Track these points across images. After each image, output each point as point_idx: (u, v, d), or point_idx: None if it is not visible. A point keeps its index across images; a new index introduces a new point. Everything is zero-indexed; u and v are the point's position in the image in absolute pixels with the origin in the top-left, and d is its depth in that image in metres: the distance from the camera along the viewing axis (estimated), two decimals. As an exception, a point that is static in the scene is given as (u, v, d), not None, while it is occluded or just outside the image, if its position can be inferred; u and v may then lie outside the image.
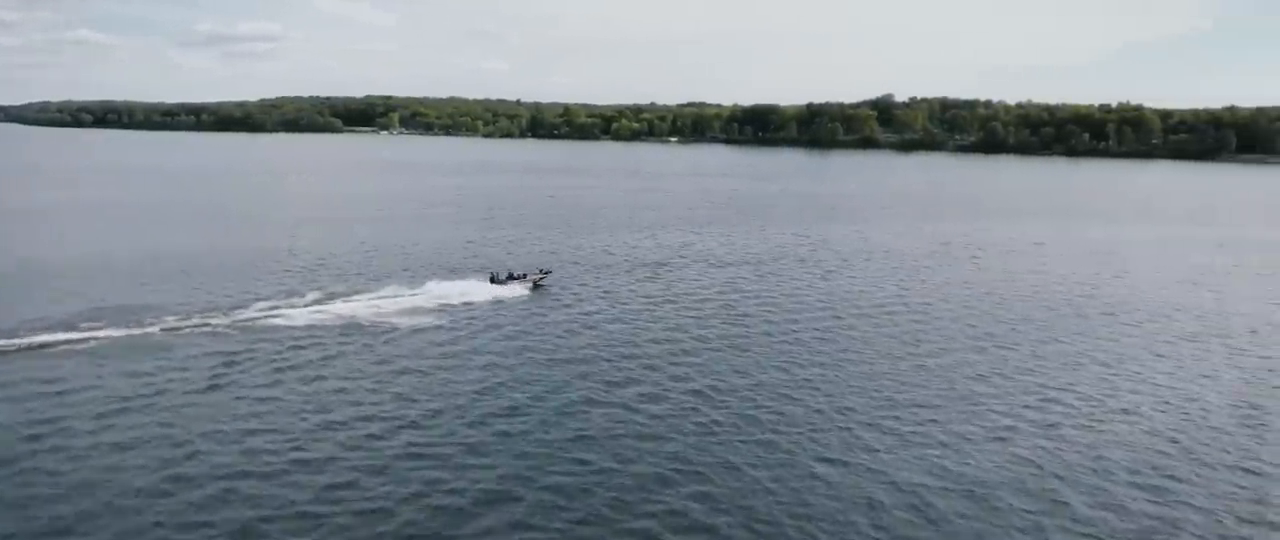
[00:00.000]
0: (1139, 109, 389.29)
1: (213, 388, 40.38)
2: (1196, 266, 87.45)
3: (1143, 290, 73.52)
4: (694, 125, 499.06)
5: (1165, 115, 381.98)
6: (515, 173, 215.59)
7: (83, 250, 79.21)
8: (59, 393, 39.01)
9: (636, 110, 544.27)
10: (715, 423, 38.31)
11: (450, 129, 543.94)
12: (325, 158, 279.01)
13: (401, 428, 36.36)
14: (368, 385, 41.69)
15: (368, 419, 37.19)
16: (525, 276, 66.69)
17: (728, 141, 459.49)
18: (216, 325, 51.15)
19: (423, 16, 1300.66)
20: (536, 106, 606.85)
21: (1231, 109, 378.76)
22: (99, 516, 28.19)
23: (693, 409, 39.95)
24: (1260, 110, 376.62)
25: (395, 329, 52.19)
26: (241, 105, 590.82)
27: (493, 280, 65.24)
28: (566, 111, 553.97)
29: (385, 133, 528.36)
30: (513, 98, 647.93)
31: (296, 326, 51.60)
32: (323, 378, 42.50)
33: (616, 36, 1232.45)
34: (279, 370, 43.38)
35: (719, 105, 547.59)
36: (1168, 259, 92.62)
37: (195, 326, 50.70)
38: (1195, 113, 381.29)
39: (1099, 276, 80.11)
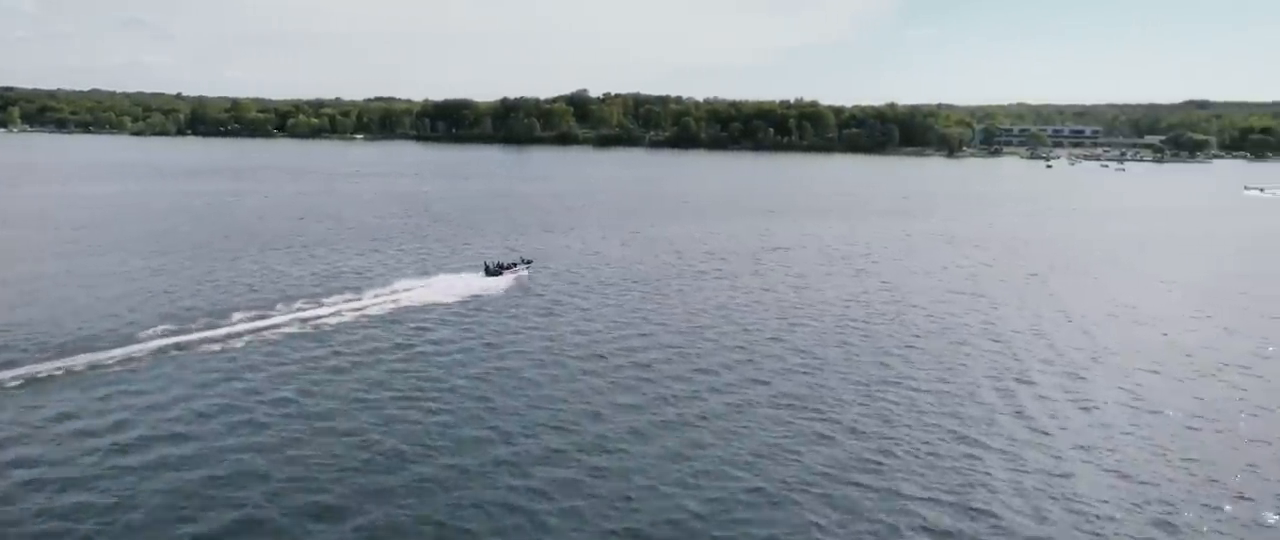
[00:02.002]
0: (815, 105, 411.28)
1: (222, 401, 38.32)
2: (953, 268, 79.31)
3: (917, 303, 62.47)
4: (382, 121, 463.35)
5: (838, 111, 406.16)
6: (154, 177, 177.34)
7: None
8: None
9: (317, 105, 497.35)
10: None
11: (91, 126, 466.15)
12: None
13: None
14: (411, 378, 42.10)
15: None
16: (514, 266, 69.91)
17: (419, 138, 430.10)
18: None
19: (67, 2, 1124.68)
20: (200, 101, 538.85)
21: (892, 105, 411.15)
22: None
23: None
24: (915, 107, 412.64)
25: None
26: None
27: (487, 272, 67.64)
28: (235, 106, 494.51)
29: (1, 130, 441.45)
30: (187, 93, 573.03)
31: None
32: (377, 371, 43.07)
33: (300, 30, 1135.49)
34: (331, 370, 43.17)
35: (409, 100, 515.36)
36: (916, 259, 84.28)
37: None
38: (863, 109, 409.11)
39: (865, 287, 68.70)
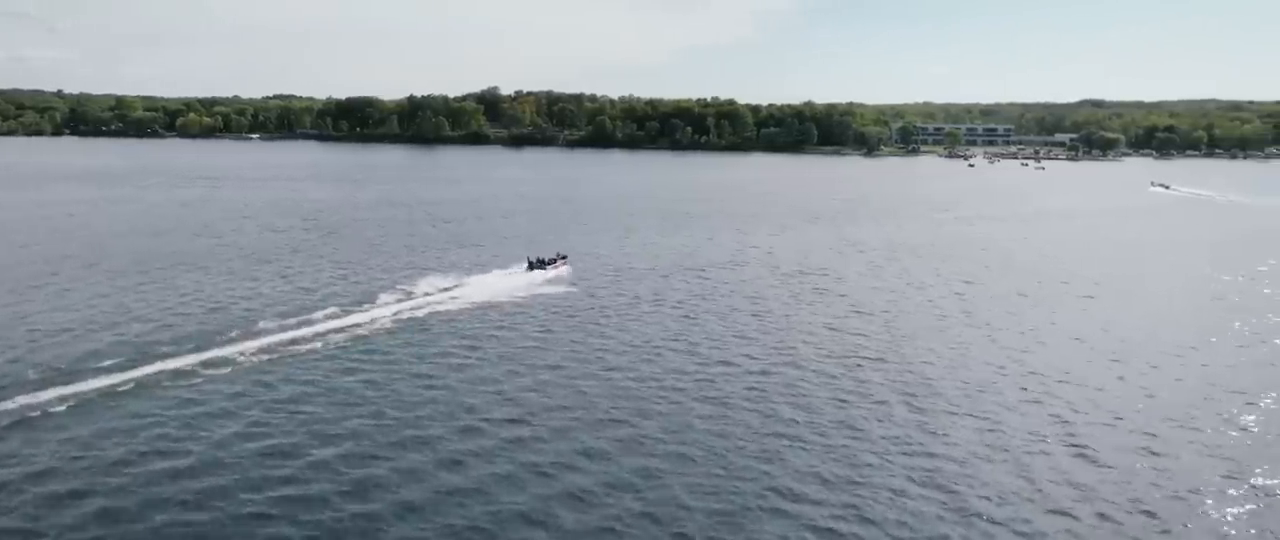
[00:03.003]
0: (732, 103, 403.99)
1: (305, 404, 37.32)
2: (923, 286, 69.89)
3: (904, 332, 52.44)
4: (280, 120, 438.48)
5: (755, 109, 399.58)
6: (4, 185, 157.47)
7: None
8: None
9: (210, 103, 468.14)
10: None
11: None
12: None
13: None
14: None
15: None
16: (554, 261, 71.31)
17: (320, 138, 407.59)
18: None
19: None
20: (80, 98, 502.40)
21: (809, 104, 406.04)
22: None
23: None
24: (832, 105, 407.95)
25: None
26: None
27: (530, 267, 69.05)
28: (119, 104, 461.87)
29: None
30: (72, 91, 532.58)
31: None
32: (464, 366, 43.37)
33: (198, 26, 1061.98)
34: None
35: (311, 98, 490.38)
36: (881, 277, 74.81)
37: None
38: (780, 107, 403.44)
39: (837, 313, 58.40)
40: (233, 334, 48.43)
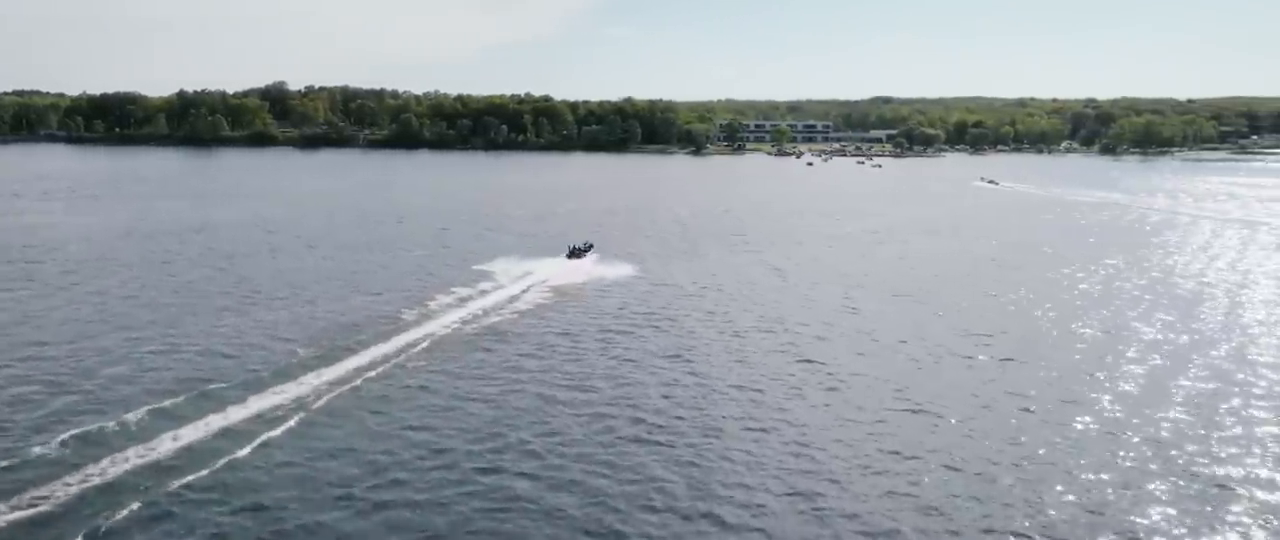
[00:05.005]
0: (549, 100, 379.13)
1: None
2: (912, 343, 47.94)
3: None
4: (17, 119, 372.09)
5: (575, 107, 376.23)
6: None
7: None
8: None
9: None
10: None
11: None
12: None
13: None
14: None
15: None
16: (588, 249, 76.99)
17: (70, 140, 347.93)
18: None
19: None
20: None
21: (630, 100, 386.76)
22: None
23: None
24: (653, 102, 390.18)
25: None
26: None
27: (570, 254, 74.08)
28: None
29: None
30: None
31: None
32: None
33: None
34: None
35: (60, 94, 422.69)
36: (861, 331, 52.26)
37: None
38: (600, 104, 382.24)
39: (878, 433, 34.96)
40: None
